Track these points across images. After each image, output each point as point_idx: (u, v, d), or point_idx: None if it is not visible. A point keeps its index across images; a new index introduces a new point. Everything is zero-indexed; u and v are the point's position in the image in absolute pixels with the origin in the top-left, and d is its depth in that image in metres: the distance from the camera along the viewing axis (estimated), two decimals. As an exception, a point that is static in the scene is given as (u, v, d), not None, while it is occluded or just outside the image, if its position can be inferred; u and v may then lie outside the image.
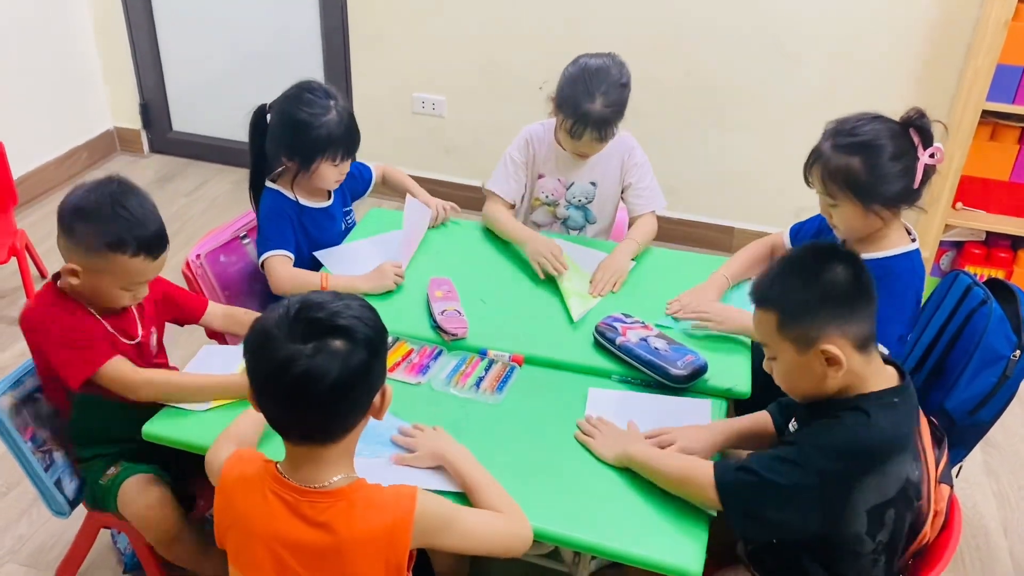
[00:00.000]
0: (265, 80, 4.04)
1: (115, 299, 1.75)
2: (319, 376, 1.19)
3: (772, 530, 1.50)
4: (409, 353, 1.92)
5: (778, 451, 1.48)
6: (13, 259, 2.98)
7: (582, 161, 2.39)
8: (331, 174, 2.19)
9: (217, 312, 2.05)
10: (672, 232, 3.70)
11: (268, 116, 2.20)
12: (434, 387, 1.82)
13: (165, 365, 1.97)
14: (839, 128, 1.86)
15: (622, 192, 2.48)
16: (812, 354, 1.44)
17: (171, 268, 1.90)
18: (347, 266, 2.21)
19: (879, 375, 1.51)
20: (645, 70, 3.40)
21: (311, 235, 2.28)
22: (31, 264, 3.14)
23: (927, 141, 1.81)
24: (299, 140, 2.12)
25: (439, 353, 1.93)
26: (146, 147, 4.38)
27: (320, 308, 1.24)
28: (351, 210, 2.45)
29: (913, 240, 1.93)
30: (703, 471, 1.50)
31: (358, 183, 2.47)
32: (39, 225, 3.61)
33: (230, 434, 1.51)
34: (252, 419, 1.53)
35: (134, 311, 1.86)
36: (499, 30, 3.55)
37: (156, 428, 1.69)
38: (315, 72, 3.90)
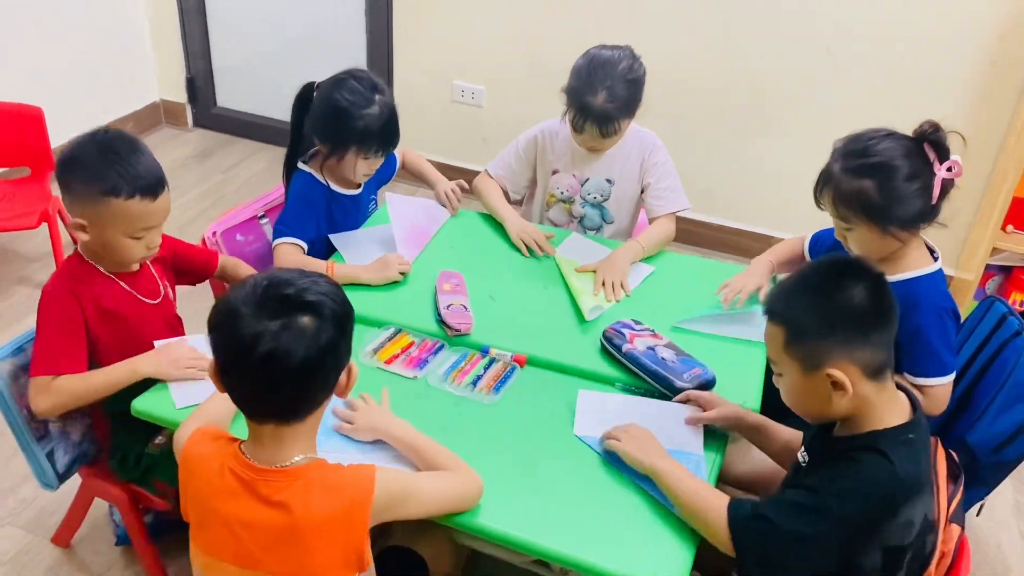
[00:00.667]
0: (308, 61, 4.06)
1: (127, 250, 1.73)
2: (287, 354, 1.17)
3: (785, 575, 1.43)
4: (409, 346, 1.88)
5: (795, 496, 1.39)
6: (45, 225, 3.01)
7: (598, 157, 2.33)
8: (360, 167, 2.16)
9: (228, 264, 2.09)
10: (706, 237, 3.61)
11: (314, 94, 2.17)
12: (430, 382, 1.78)
13: (179, 324, 1.99)
14: (849, 148, 1.77)
15: (641, 192, 2.40)
16: (818, 376, 1.36)
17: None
18: (360, 251, 2.18)
19: (892, 404, 1.42)
20: (689, 69, 3.35)
21: (337, 221, 2.26)
22: (62, 230, 3.18)
23: (943, 155, 1.71)
24: (334, 126, 2.09)
25: (440, 348, 1.89)
26: (190, 121, 4.42)
27: (288, 284, 1.21)
28: (375, 197, 2.41)
29: (935, 259, 1.83)
30: (717, 511, 1.42)
31: (384, 170, 2.43)
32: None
33: (201, 412, 1.49)
34: (225, 398, 1.51)
35: (151, 269, 1.88)
36: (543, 22, 3.49)
37: (144, 404, 1.68)
38: (358, 55, 3.89)
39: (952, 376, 1.78)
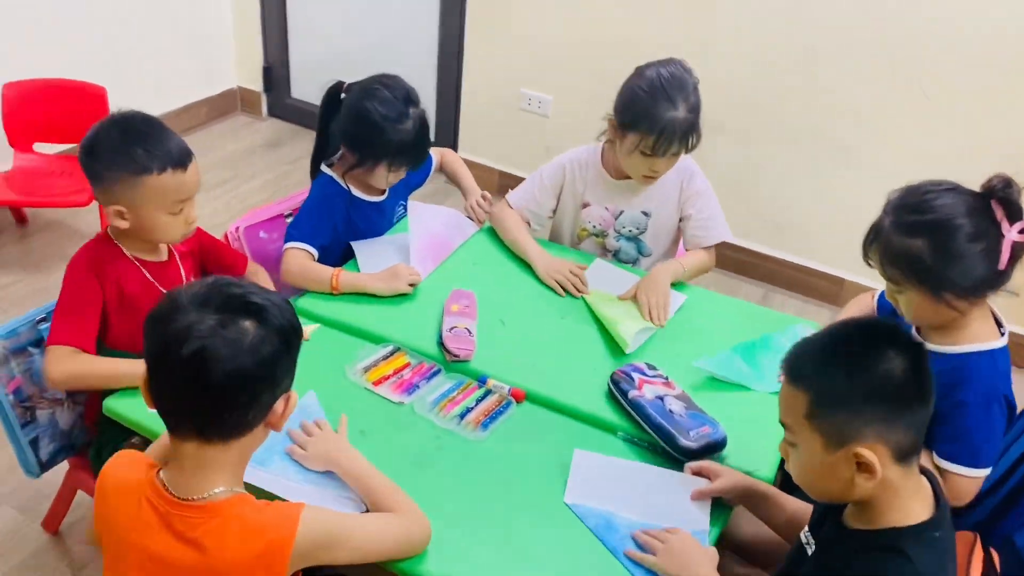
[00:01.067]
0: (380, 62, 3.98)
1: (168, 228, 1.70)
2: (215, 356, 1.07)
3: None
4: (404, 367, 1.76)
5: None
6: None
7: (632, 190, 2.15)
8: (383, 179, 2.08)
9: (250, 270, 2.02)
10: (771, 272, 3.37)
11: (343, 96, 2.09)
12: (416, 410, 1.66)
13: None
14: (903, 201, 1.55)
15: (680, 221, 2.23)
16: (841, 454, 1.18)
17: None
18: (378, 260, 2.07)
19: (916, 494, 1.23)
20: (766, 90, 3.13)
21: (358, 227, 2.17)
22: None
23: (1014, 215, 1.48)
24: (366, 138, 2.00)
25: (436, 372, 1.76)
26: (264, 110, 4.44)
27: (237, 285, 1.14)
28: (404, 203, 2.31)
29: (1002, 333, 1.59)
30: None
31: (416, 175, 2.33)
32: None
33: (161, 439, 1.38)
34: None
35: (177, 260, 1.84)
36: (613, 34, 3.32)
37: (117, 405, 1.62)
38: (429, 60, 3.82)
39: (984, 472, 1.55)
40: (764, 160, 3.24)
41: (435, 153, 2.40)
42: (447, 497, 1.47)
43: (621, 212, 2.20)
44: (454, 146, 3.93)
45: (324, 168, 2.13)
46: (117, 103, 3.46)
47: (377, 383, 1.71)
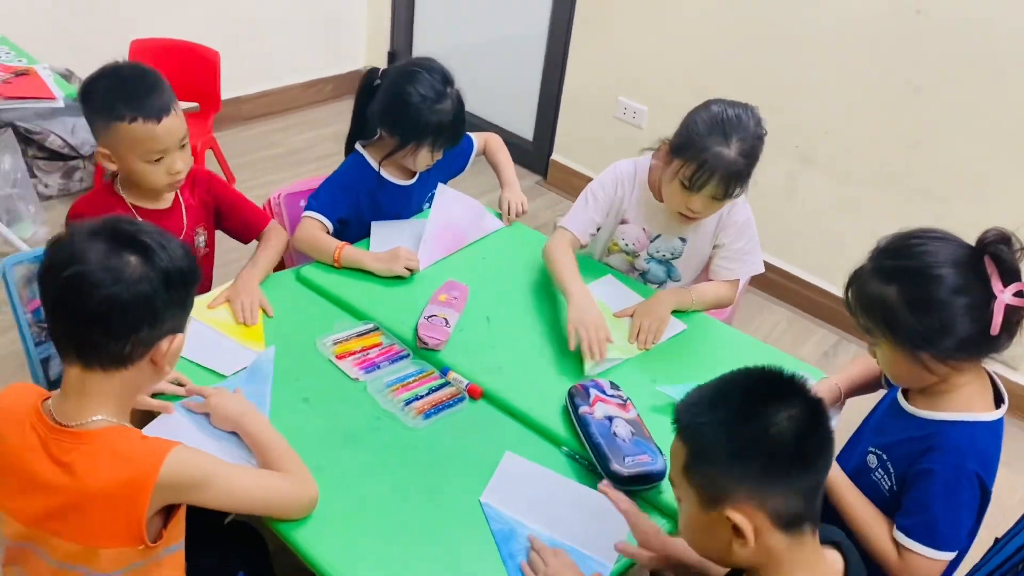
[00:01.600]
0: (491, 55, 4.07)
1: (149, 176, 1.79)
2: (92, 283, 1.13)
3: None
4: (374, 347, 1.78)
5: None
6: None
7: (673, 215, 2.02)
8: (425, 160, 2.10)
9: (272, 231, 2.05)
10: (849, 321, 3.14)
11: (377, 82, 2.13)
12: (368, 388, 1.67)
13: (210, 268, 2.05)
14: (887, 245, 1.42)
15: (712, 249, 2.12)
16: (716, 515, 1.09)
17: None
18: (390, 241, 2.10)
19: (810, 567, 1.12)
20: (864, 126, 2.92)
21: (383, 209, 2.20)
22: (215, 170, 3.42)
23: (1008, 275, 1.32)
24: (405, 120, 2.03)
25: (403, 356, 1.77)
26: (386, 94, 4.59)
27: (132, 223, 1.19)
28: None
29: (999, 406, 1.42)
30: None
31: (455, 160, 2.33)
32: (259, 138, 3.92)
33: None
34: None
35: (182, 209, 1.93)
36: (713, 51, 3.21)
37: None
38: (535, 61, 3.83)
39: (945, 555, 1.38)
40: (858, 199, 3.04)
41: (477, 138, 2.39)
42: (363, 476, 1.47)
43: (658, 236, 2.11)
44: (550, 148, 3.93)
45: (358, 146, 2.18)
46: (234, 70, 3.72)
47: (341, 357, 1.74)
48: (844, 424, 1.63)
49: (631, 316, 1.94)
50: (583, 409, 1.61)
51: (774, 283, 3.28)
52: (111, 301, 1.14)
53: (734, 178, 1.82)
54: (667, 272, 2.18)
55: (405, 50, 4.42)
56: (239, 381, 1.63)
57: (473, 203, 2.26)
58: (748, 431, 1.07)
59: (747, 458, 1.06)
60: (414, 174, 2.20)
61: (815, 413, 1.09)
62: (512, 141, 4.08)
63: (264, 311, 1.83)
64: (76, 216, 1.83)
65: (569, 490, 1.52)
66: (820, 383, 1.78)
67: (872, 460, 1.54)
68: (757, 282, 3.34)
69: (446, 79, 2.04)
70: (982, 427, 1.41)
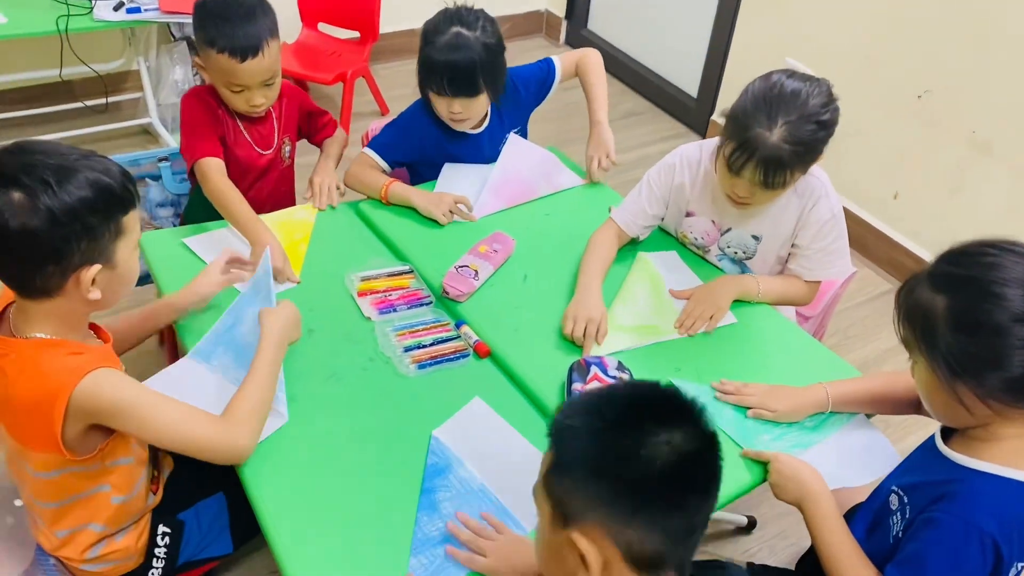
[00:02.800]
0: (662, 20, 3.85)
1: (230, 100, 1.90)
2: None
3: None
4: (400, 288, 1.76)
5: None
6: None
7: (744, 208, 1.78)
8: (442, 108, 1.99)
9: (337, 139, 2.15)
10: None
11: None
12: (375, 329, 1.66)
13: (291, 177, 2.14)
14: (956, 247, 1.18)
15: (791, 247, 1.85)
16: (565, 536, 0.94)
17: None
18: (456, 185, 2.06)
19: None
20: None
21: (453, 157, 2.12)
22: (369, 100, 3.51)
23: None
24: (419, 66, 1.98)
25: (425, 303, 1.74)
26: (562, 37, 4.49)
27: (24, 160, 1.17)
28: (521, 127, 2.20)
29: None
30: None
31: (531, 86, 2.17)
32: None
33: None
34: None
35: (274, 120, 2.03)
36: (890, 23, 2.81)
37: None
38: (705, 22, 3.57)
39: None
40: (1037, 201, 2.59)
41: (564, 59, 2.20)
42: (328, 414, 1.47)
43: (728, 229, 1.87)
44: (712, 107, 3.67)
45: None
46: (407, 3, 3.78)
47: (362, 294, 1.74)
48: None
49: (687, 299, 1.78)
50: (576, 385, 1.51)
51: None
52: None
53: (774, 165, 1.57)
54: (741, 272, 1.93)
55: (585, -7, 4.28)
56: (246, 296, 1.62)
57: (547, 155, 2.15)
58: (616, 447, 0.91)
59: (606, 477, 0.91)
60: (482, 122, 2.10)
61: (703, 447, 0.93)
62: (676, 97, 3.89)
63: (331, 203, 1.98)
64: (187, 97, 1.94)
65: (522, 450, 1.43)
66: (811, 386, 1.56)
67: (894, 501, 1.33)
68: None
69: (457, 19, 1.92)
70: (1015, 486, 1.16)
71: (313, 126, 2.15)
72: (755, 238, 1.85)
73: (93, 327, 1.39)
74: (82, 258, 1.21)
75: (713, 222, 1.88)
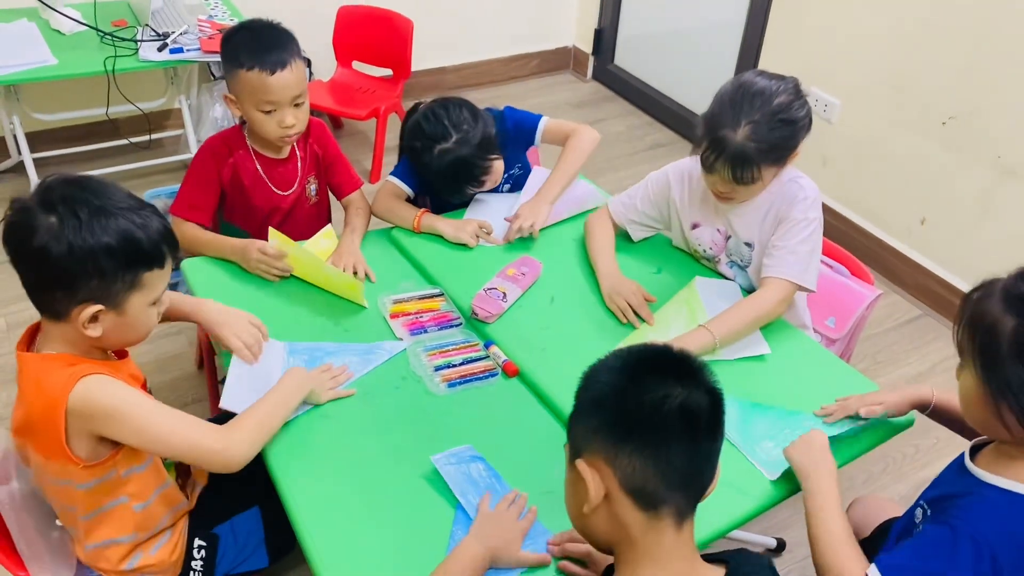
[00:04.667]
0: (690, 39, 3.92)
1: (261, 125, 1.92)
2: (7, 231, 1.24)
3: None
4: (430, 311, 1.82)
5: None
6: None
7: (739, 213, 1.85)
8: (461, 195, 2.11)
9: (355, 201, 2.13)
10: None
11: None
12: (407, 349, 1.71)
13: (325, 215, 2.19)
14: None
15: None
16: (576, 471, 1.04)
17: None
18: (483, 213, 2.12)
19: (667, 563, 1.02)
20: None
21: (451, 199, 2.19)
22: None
23: None
24: (424, 180, 2.09)
25: (455, 324, 1.79)
26: (590, 72, 4.58)
27: (79, 188, 1.25)
28: (516, 169, 2.25)
29: None
30: None
31: (520, 134, 2.21)
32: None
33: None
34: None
35: (297, 160, 2.08)
36: (917, 49, 2.86)
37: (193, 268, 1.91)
38: (731, 51, 3.64)
39: None
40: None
41: (563, 127, 2.20)
42: (364, 431, 1.52)
43: (729, 237, 1.92)
44: (737, 138, 3.72)
45: None
46: (438, 40, 3.89)
47: (394, 316, 1.79)
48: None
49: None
50: (602, 403, 1.54)
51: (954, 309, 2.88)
52: (17, 250, 1.24)
53: (740, 161, 1.66)
54: (748, 282, 1.96)
55: (611, 28, 4.37)
56: (354, 348, 1.69)
57: (584, 185, 2.21)
58: (618, 386, 1.01)
59: (606, 407, 1.01)
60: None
61: (697, 398, 0.99)
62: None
63: (368, 276, 1.91)
64: (206, 145, 2.02)
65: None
66: (917, 386, 1.58)
67: (918, 514, 1.35)
68: (937, 305, 2.98)
69: (445, 127, 1.98)
70: None
71: (330, 176, 2.16)
72: (748, 245, 1.90)
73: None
74: (89, 294, 1.25)
75: (719, 230, 1.94)
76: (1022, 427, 1.16)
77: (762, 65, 3.50)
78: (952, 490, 1.27)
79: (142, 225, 1.27)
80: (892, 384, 2.64)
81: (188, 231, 1.96)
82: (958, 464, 1.33)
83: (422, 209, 2.08)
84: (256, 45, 1.87)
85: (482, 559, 1.26)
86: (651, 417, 0.98)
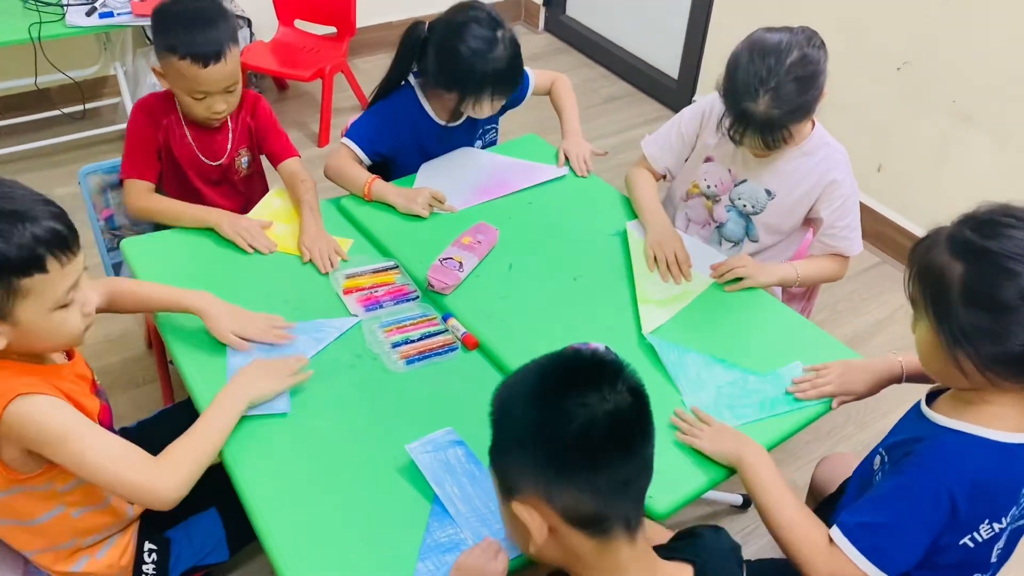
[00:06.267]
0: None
1: (190, 107, 1.88)
2: None
3: None
4: (385, 284, 1.75)
5: None
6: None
7: (764, 159, 1.86)
8: (487, 109, 2.01)
9: (292, 169, 2.01)
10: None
11: (425, 36, 2.00)
12: (363, 326, 1.65)
13: (255, 189, 2.11)
14: (978, 215, 1.18)
15: (810, 222, 1.95)
16: (511, 509, 0.98)
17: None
18: (438, 180, 2.05)
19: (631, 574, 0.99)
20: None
21: (427, 149, 2.13)
22: (349, 96, 3.49)
23: None
24: (461, 76, 1.93)
25: (412, 298, 1.73)
26: (541, 23, 4.47)
27: None
28: (493, 127, 2.23)
29: None
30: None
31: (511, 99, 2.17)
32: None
33: None
34: None
35: (229, 131, 2.00)
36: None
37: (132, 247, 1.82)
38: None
39: (876, 573, 1.18)
40: (1019, 165, 2.59)
41: (540, 76, 2.26)
42: (316, 413, 1.47)
43: (743, 181, 1.93)
44: (693, 87, 3.67)
45: (412, 81, 2.09)
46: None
47: (348, 291, 1.73)
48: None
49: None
50: (564, 374, 1.50)
51: (914, 256, 2.90)
52: None
53: (769, 129, 1.70)
54: (746, 230, 1.98)
55: (562, -22, 4.27)
56: (301, 327, 1.63)
57: (555, 171, 2.15)
58: (537, 416, 0.94)
59: (529, 446, 0.94)
60: (461, 115, 2.09)
61: (622, 404, 0.93)
62: (657, 80, 3.88)
63: (340, 256, 1.82)
64: (138, 106, 1.93)
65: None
66: (885, 361, 1.57)
67: (876, 461, 1.36)
68: (894, 251, 2.99)
69: (495, 23, 1.93)
70: (985, 444, 1.18)
71: (264, 145, 2.06)
72: (768, 192, 1.91)
73: None
74: None
75: (729, 171, 1.94)
76: (980, 373, 1.16)
77: (715, 14, 3.44)
78: (909, 436, 1.27)
79: (4, 234, 1.15)
80: (853, 334, 2.65)
81: (159, 203, 1.90)
82: (915, 411, 1.34)
83: (373, 176, 1.99)
84: (190, 28, 1.78)
85: None
86: (580, 445, 0.92)
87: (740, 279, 1.80)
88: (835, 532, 1.22)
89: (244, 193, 2.09)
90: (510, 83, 1.97)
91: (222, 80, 1.83)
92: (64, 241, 1.20)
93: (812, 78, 1.69)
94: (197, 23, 1.79)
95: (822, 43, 1.73)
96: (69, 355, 1.38)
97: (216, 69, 1.80)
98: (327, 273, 1.77)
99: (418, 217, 1.94)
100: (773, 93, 1.65)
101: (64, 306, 1.23)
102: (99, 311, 1.48)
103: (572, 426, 0.91)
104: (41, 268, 1.18)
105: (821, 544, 1.23)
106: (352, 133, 2.07)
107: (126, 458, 1.25)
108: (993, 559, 1.26)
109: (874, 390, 1.56)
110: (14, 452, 1.22)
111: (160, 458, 1.28)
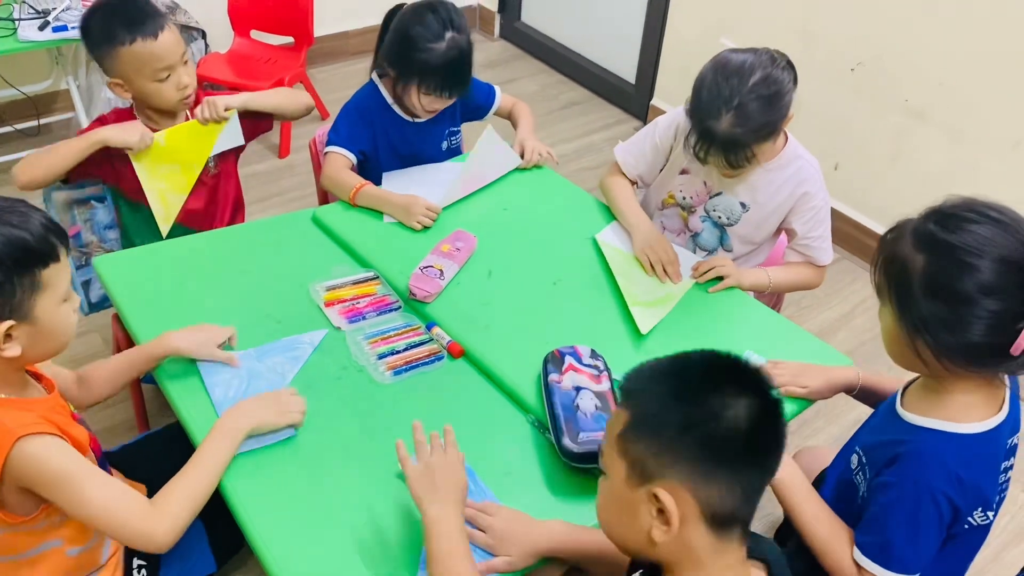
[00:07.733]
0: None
1: (160, 95, 1.88)
2: None
3: None
4: (367, 295, 1.75)
5: None
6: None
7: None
8: (423, 101, 2.02)
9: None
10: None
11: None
12: (347, 338, 1.65)
13: (226, 188, 2.12)
14: (943, 209, 1.22)
15: (777, 233, 2.01)
16: (643, 493, 0.98)
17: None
18: (402, 188, 2.05)
19: (733, 571, 1.01)
20: (988, 88, 2.54)
21: (396, 146, 2.15)
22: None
23: None
24: (400, 55, 1.99)
25: (394, 308, 1.73)
26: (497, 31, 4.49)
27: None
28: (458, 131, 2.25)
29: (998, 424, 1.23)
30: None
31: (473, 104, 2.25)
32: (362, 75, 3.94)
33: None
34: None
35: None
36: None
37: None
38: (638, 1, 3.61)
39: None
40: (970, 162, 2.68)
41: (505, 98, 2.30)
42: (312, 422, 1.45)
43: (718, 193, 1.95)
44: (651, 92, 3.72)
45: (373, 76, 2.13)
46: (341, 4, 3.73)
47: (329, 304, 1.72)
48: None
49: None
50: (552, 377, 1.52)
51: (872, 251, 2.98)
52: None
53: (732, 148, 1.71)
54: (720, 239, 2.02)
55: (516, -15, 4.29)
56: (276, 347, 1.60)
57: (513, 156, 2.17)
58: (700, 408, 0.96)
59: (694, 435, 0.95)
60: (429, 113, 2.11)
61: (772, 413, 0.98)
62: (615, 85, 3.93)
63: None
64: (95, 123, 1.93)
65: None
66: (843, 369, 1.62)
67: (854, 460, 1.40)
68: (853, 248, 3.07)
69: (450, 22, 1.96)
70: (961, 440, 1.23)
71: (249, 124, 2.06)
72: (743, 205, 1.94)
73: (33, 372, 1.33)
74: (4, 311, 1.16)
75: (704, 183, 1.97)
76: (937, 360, 1.21)
77: (671, 17, 3.49)
78: (886, 437, 1.32)
79: (21, 224, 1.17)
80: (819, 328, 2.71)
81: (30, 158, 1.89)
82: (889, 408, 1.38)
83: (363, 182, 2.00)
84: (125, 17, 1.81)
85: (456, 518, 1.23)
86: (747, 446, 0.95)
87: (721, 278, 1.84)
88: (857, 554, 1.28)
89: (214, 192, 2.09)
90: (440, 81, 1.98)
91: (176, 46, 1.86)
92: (61, 229, 1.23)
93: (775, 97, 1.70)
94: (128, 11, 1.82)
95: (788, 64, 1.75)
96: (48, 388, 1.35)
97: (166, 36, 1.83)
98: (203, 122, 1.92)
99: (398, 224, 1.94)
100: (736, 112, 1.67)
101: (66, 299, 1.25)
102: (79, 406, 1.48)
103: (739, 423, 0.94)
104: (56, 257, 1.20)
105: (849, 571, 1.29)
106: (332, 138, 2.09)
107: (124, 504, 1.23)
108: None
109: (826, 392, 1.60)
110: (12, 493, 1.20)
111: (156, 502, 1.25)
